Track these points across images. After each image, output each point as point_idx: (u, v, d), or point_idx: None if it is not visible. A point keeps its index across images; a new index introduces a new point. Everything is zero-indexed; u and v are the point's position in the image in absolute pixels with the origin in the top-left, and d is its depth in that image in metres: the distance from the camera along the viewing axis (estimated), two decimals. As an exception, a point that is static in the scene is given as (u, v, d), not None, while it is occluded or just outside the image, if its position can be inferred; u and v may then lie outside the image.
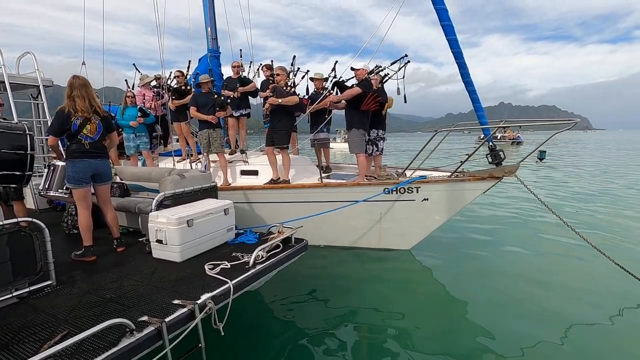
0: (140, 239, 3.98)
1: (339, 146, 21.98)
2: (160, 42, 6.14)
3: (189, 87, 6.48)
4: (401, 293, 4.19)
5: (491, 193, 4.99)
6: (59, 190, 3.48)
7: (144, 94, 6.90)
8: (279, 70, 5.21)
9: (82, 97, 3.21)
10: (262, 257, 3.23)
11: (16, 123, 3.38)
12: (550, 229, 5.95)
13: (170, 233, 3.20)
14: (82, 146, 3.25)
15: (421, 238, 4.89)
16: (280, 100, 4.87)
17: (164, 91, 7.04)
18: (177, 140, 8.08)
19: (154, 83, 7.23)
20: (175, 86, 6.50)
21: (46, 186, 3.51)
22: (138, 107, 6.31)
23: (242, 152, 6.78)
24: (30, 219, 2.49)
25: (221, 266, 3.07)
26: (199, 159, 6.28)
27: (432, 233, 4.89)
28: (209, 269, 3.02)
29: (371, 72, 4.70)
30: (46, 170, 3.58)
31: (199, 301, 2.41)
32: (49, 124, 6.42)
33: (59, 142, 3.37)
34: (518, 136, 40.15)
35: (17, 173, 3.09)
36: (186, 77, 6.73)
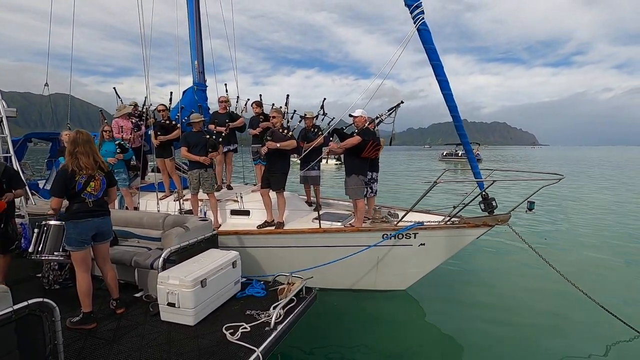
0: (137, 295, 3.73)
1: (325, 167, 22.21)
2: (146, 79, 5.94)
3: (173, 122, 6.26)
4: (398, 333, 4.30)
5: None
6: (55, 253, 3.17)
7: (122, 125, 6.55)
8: (274, 113, 5.23)
9: (87, 154, 3.02)
10: (281, 316, 3.17)
11: None
12: (532, 261, 6.33)
13: (184, 295, 3.04)
14: (86, 205, 3.03)
15: (417, 279, 5.05)
16: (278, 145, 4.88)
17: (142, 123, 6.74)
18: (152, 170, 7.73)
19: (125, 110, 6.81)
20: (160, 121, 6.24)
21: (38, 249, 3.18)
22: (116, 141, 5.97)
23: (229, 187, 6.65)
24: (41, 299, 2.26)
25: (241, 329, 2.97)
26: (185, 196, 6.03)
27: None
28: (230, 334, 2.90)
29: (372, 122, 4.88)
30: (36, 230, 3.25)
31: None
32: (13, 157, 5.93)
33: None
34: (478, 153, 43.13)
35: None
36: (169, 110, 6.51)
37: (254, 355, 2.62)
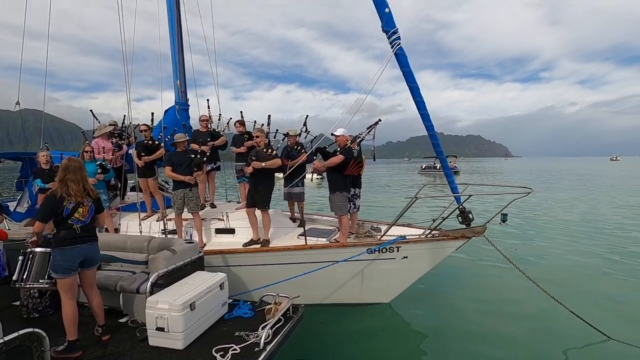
0: (122, 320, 3.68)
1: (307, 183, 22.31)
2: (127, 96, 5.94)
3: (156, 143, 6.25)
4: (382, 346, 4.39)
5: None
6: (40, 281, 3.12)
7: (103, 145, 6.47)
8: (257, 132, 5.34)
9: (77, 182, 3.04)
10: (270, 336, 3.22)
11: None
12: (506, 270, 6.59)
13: (174, 320, 3.05)
14: (73, 231, 3.02)
15: (400, 291, 5.19)
16: (264, 164, 4.98)
17: (123, 142, 6.69)
18: (132, 190, 7.62)
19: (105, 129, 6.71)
20: (142, 141, 6.21)
21: (23, 276, 3.12)
22: (98, 162, 5.90)
23: (212, 206, 6.64)
24: (32, 330, 2.24)
25: (231, 351, 3.00)
26: (167, 215, 5.99)
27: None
28: (220, 356, 2.93)
29: (353, 140, 5.06)
30: (21, 258, 3.20)
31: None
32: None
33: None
34: (455, 166, 44.37)
35: None
36: (151, 130, 6.50)
37: (246, 377, 2.66)
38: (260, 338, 3.11)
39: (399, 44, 4.70)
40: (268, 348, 3.06)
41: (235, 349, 3.02)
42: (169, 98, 7.06)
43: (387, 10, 4.68)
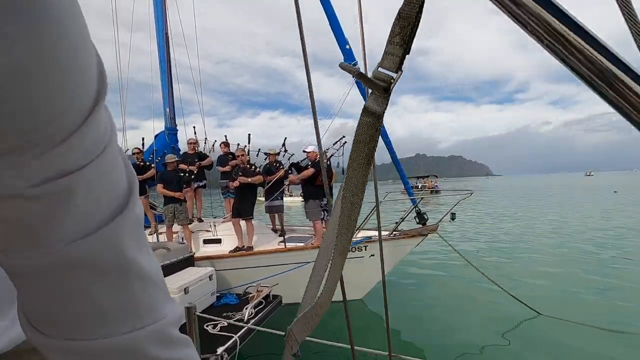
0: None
1: (290, 199, 22.86)
2: (123, 124, 6.65)
3: (147, 163, 6.91)
4: (358, 341, 4.95)
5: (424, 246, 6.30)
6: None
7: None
8: (240, 152, 6.10)
9: None
10: (252, 314, 3.83)
11: None
12: (467, 272, 7.37)
13: (171, 301, 3.63)
14: None
15: (371, 287, 5.83)
16: (250, 180, 5.70)
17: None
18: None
19: None
20: (135, 163, 6.86)
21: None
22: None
23: (200, 220, 7.23)
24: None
25: (219, 325, 3.58)
26: (159, 230, 6.55)
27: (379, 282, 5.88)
28: (211, 328, 3.51)
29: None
30: None
31: (217, 353, 2.94)
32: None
33: None
34: (436, 185, 45.91)
35: None
36: (143, 153, 7.17)
37: (232, 340, 3.26)
38: (244, 314, 3.72)
39: (359, 73, 5.66)
40: (251, 321, 3.67)
41: (223, 323, 3.61)
42: (156, 125, 7.80)
43: (347, 47, 5.67)
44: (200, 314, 3.56)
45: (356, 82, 5.64)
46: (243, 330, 3.46)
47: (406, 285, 6.82)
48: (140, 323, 0.31)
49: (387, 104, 0.37)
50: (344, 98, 5.78)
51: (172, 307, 0.36)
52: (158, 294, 0.34)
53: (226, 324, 3.61)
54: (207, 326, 3.56)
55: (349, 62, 5.64)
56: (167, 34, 7.55)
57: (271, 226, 7.18)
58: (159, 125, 7.75)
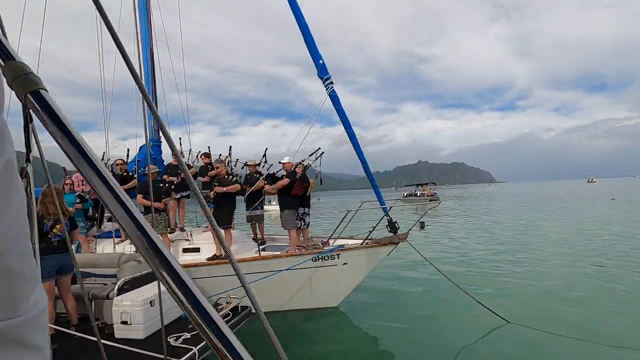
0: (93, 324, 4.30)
1: (273, 208, 22.96)
2: (106, 135, 6.78)
3: (130, 174, 7.04)
4: (334, 348, 5.03)
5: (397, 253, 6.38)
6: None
7: (82, 178, 7.20)
8: (217, 164, 6.22)
9: (54, 203, 3.80)
10: (217, 326, 3.91)
11: None
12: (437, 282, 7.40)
13: (135, 314, 3.74)
14: (51, 244, 3.75)
15: (345, 294, 5.92)
16: (225, 189, 5.81)
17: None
18: (109, 220, 8.26)
19: None
20: (118, 174, 6.99)
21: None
22: (77, 193, 6.62)
23: (182, 229, 7.35)
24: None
25: (182, 337, 3.68)
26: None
27: (354, 290, 5.97)
28: (173, 340, 3.61)
29: (296, 166, 5.99)
30: None
31: (173, 366, 3.04)
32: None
33: None
34: (434, 192, 46.04)
35: None
36: (126, 164, 7.30)
37: (191, 352, 3.35)
38: (208, 326, 3.80)
39: (332, 87, 5.79)
40: (214, 334, 3.75)
41: (186, 335, 3.71)
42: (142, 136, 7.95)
43: (321, 61, 5.80)
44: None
45: (330, 95, 5.78)
46: (204, 342, 3.55)
47: (379, 294, 6.90)
48: None
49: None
50: (319, 108, 5.91)
51: (35, 306, 0.34)
52: (18, 288, 0.32)
53: (189, 336, 3.71)
54: (170, 338, 3.65)
55: (322, 75, 5.79)
56: (152, 48, 7.71)
57: (252, 235, 7.29)
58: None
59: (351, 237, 6.41)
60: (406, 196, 52.66)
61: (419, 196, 43.91)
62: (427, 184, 51.68)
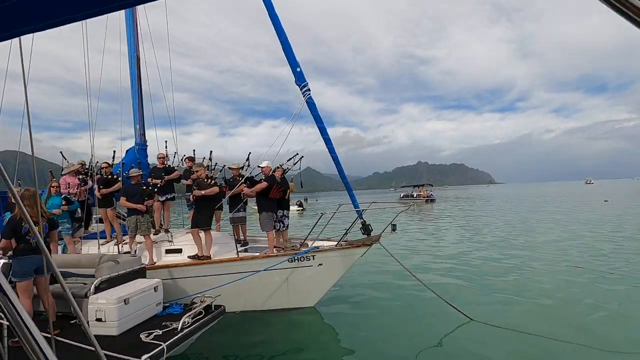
0: (72, 322, 4.49)
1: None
2: (91, 140, 6.96)
3: (115, 176, 7.22)
4: (311, 347, 5.20)
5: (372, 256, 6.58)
6: (3, 284, 3.97)
7: (69, 182, 7.37)
8: (197, 167, 6.41)
9: (32, 206, 3.99)
10: (188, 323, 4.11)
11: None
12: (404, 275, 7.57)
13: (110, 311, 3.93)
14: (29, 245, 3.94)
15: (322, 295, 6.11)
16: (203, 192, 6.01)
17: (89, 177, 7.62)
18: (97, 222, 8.44)
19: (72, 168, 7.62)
20: (103, 176, 7.17)
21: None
22: (63, 195, 6.79)
23: (167, 231, 7.53)
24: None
25: (154, 333, 3.87)
26: (124, 240, 6.85)
27: (330, 290, 6.16)
28: (144, 337, 3.80)
29: (275, 170, 6.19)
30: None
31: (141, 359, 3.23)
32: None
33: None
34: (431, 194, 46.28)
35: None
36: (112, 167, 7.48)
37: (160, 348, 3.55)
38: (179, 323, 4.00)
39: (309, 94, 5.99)
40: (185, 330, 3.96)
41: (157, 332, 3.90)
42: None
43: (298, 69, 6.01)
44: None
45: (307, 102, 5.98)
46: (174, 338, 3.75)
47: (356, 294, 7.10)
48: None
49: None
50: (298, 110, 6.11)
51: None
52: None
53: (160, 333, 3.90)
54: (141, 334, 3.85)
55: (299, 83, 5.99)
56: (138, 56, 7.90)
57: (235, 237, 7.47)
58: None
59: (328, 239, 6.61)
60: (403, 197, 52.91)
61: (415, 197, 44.11)
62: (423, 185, 51.86)
